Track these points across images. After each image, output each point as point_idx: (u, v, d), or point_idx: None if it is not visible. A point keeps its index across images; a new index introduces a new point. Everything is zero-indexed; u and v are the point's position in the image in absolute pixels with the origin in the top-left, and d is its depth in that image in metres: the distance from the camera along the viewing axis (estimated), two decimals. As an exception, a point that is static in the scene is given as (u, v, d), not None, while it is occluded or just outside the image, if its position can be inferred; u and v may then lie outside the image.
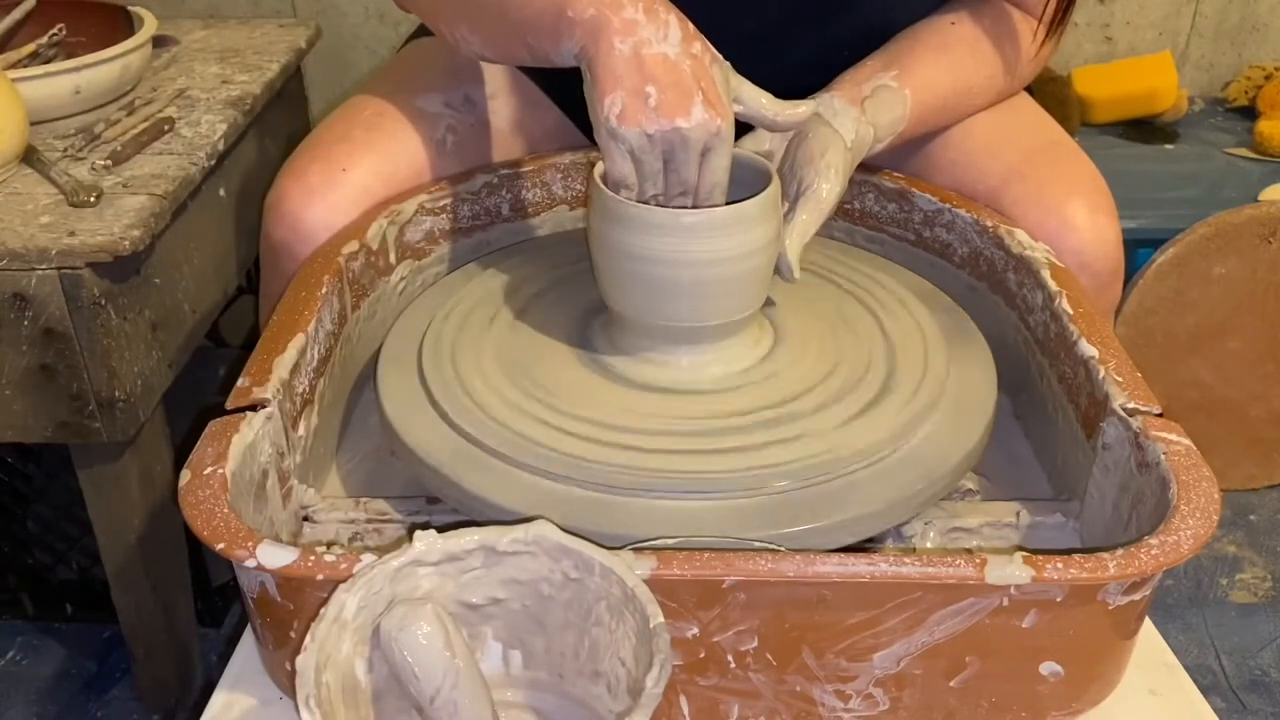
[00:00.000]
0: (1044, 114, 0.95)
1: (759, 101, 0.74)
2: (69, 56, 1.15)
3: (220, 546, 0.55)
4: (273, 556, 0.54)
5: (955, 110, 0.89)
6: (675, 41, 0.69)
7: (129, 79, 1.17)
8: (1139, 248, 1.40)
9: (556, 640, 0.57)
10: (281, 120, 1.33)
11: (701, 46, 0.70)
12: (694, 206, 0.71)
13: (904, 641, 0.56)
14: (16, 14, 1.21)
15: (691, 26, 0.71)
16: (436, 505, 0.71)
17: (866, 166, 0.92)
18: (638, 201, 0.71)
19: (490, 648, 0.58)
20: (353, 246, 0.81)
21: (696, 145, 0.69)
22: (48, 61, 1.16)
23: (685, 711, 0.59)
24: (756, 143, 0.83)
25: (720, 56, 0.72)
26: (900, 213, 0.90)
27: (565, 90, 0.99)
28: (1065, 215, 0.82)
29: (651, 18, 0.69)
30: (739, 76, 0.74)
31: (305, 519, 0.71)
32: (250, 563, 0.55)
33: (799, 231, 0.77)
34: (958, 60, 0.87)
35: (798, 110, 0.75)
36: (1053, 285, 0.75)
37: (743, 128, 0.77)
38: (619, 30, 0.68)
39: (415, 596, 0.54)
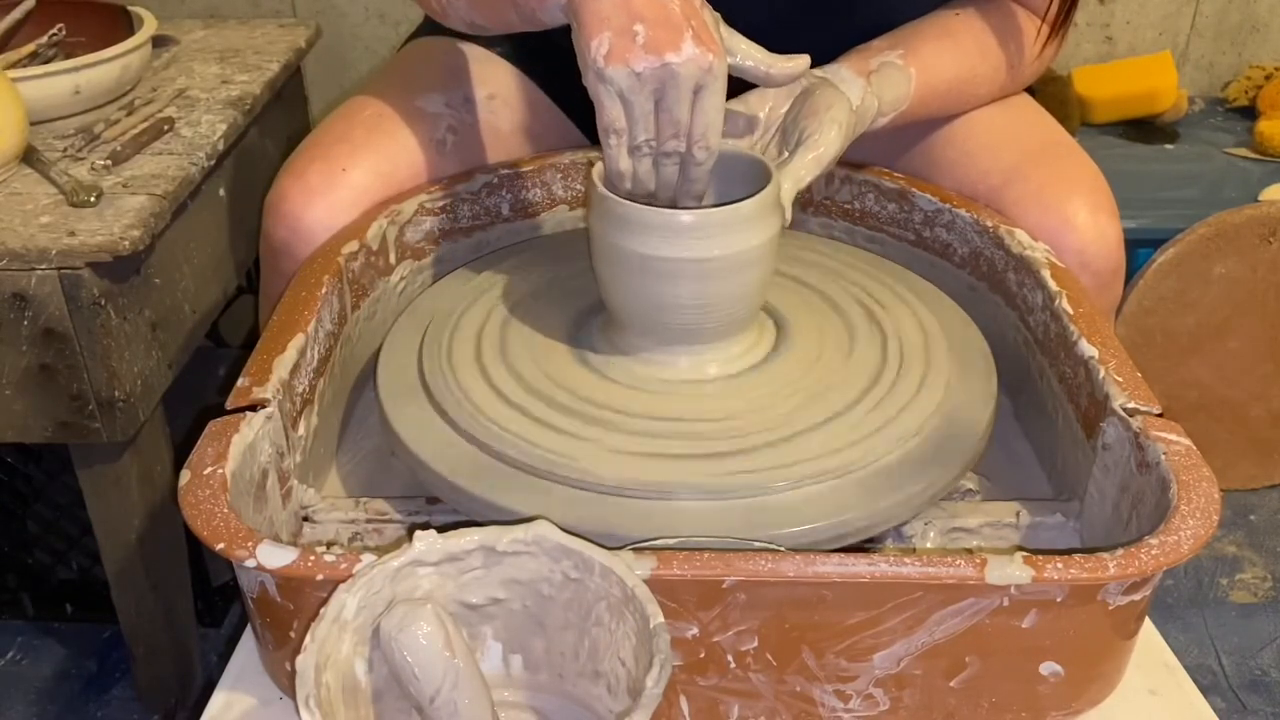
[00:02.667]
0: (1045, 114, 0.95)
1: (751, 54, 0.74)
2: (69, 56, 1.15)
3: (220, 546, 0.55)
4: (273, 556, 0.54)
5: (959, 97, 0.89)
6: None
7: (129, 79, 1.17)
8: (1139, 248, 1.40)
9: (556, 640, 0.57)
10: (281, 120, 1.33)
11: None
12: (688, 150, 0.69)
13: (904, 641, 0.56)
14: (16, 14, 1.21)
15: None
16: (436, 505, 0.71)
17: (867, 166, 0.92)
18: (629, 149, 0.69)
19: (490, 648, 0.58)
20: (353, 246, 0.81)
21: (688, 82, 0.67)
22: (48, 61, 1.16)
23: (685, 711, 0.59)
24: (761, 100, 0.82)
25: (709, 5, 0.71)
26: (900, 213, 0.90)
27: (565, 89, 0.99)
28: (1066, 214, 0.82)
29: None
30: (730, 29, 0.73)
31: (305, 519, 0.71)
32: (250, 563, 0.54)
33: (794, 175, 0.77)
34: (963, 49, 0.88)
35: (790, 64, 0.75)
36: (1053, 285, 0.75)
37: (745, 86, 0.77)
38: None
39: (415, 596, 0.54)
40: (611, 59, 0.66)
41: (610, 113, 0.68)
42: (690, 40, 0.66)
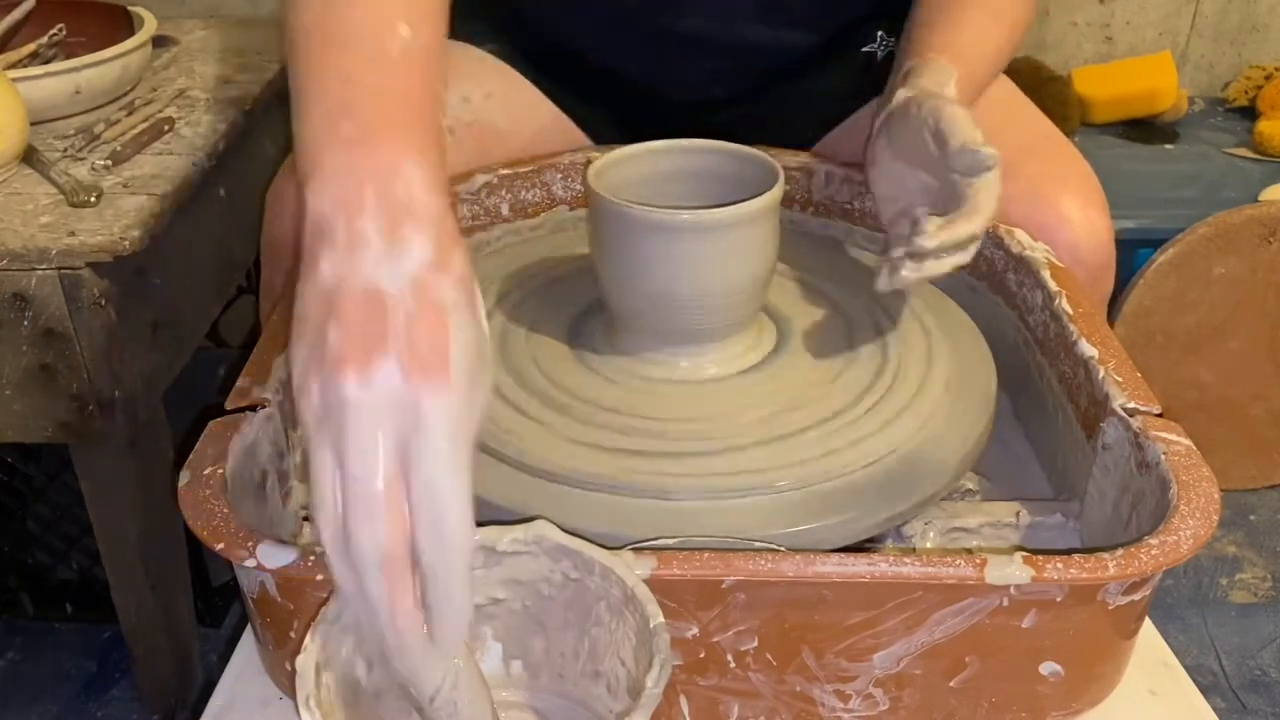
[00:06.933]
0: (1033, 108, 0.95)
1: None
2: (69, 56, 1.15)
3: (220, 546, 0.55)
4: (273, 556, 0.54)
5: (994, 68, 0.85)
6: (406, 272, 0.46)
7: (129, 79, 1.17)
8: (1139, 248, 1.40)
9: (556, 640, 0.57)
10: (281, 120, 1.33)
11: (457, 290, 0.47)
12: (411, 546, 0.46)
13: (904, 641, 0.56)
14: (16, 14, 1.21)
15: (458, 259, 0.48)
16: (436, 505, 0.71)
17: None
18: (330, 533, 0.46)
19: (490, 648, 0.58)
20: (353, 246, 0.80)
21: (370, 427, 0.43)
22: (48, 61, 1.16)
23: (685, 711, 0.59)
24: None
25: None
26: (900, 213, 0.90)
27: (564, 90, 0.99)
28: (1058, 210, 0.82)
29: (390, 234, 0.46)
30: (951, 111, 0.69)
31: (305, 519, 0.71)
32: (250, 563, 0.54)
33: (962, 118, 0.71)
34: (992, 31, 0.84)
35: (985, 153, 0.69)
36: (1052, 285, 0.75)
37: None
38: (343, 243, 0.47)
39: (415, 596, 0.54)
40: (299, 388, 0.46)
41: (311, 462, 0.45)
42: (393, 362, 0.44)
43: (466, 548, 0.45)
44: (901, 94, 0.76)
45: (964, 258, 0.69)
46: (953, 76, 0.77)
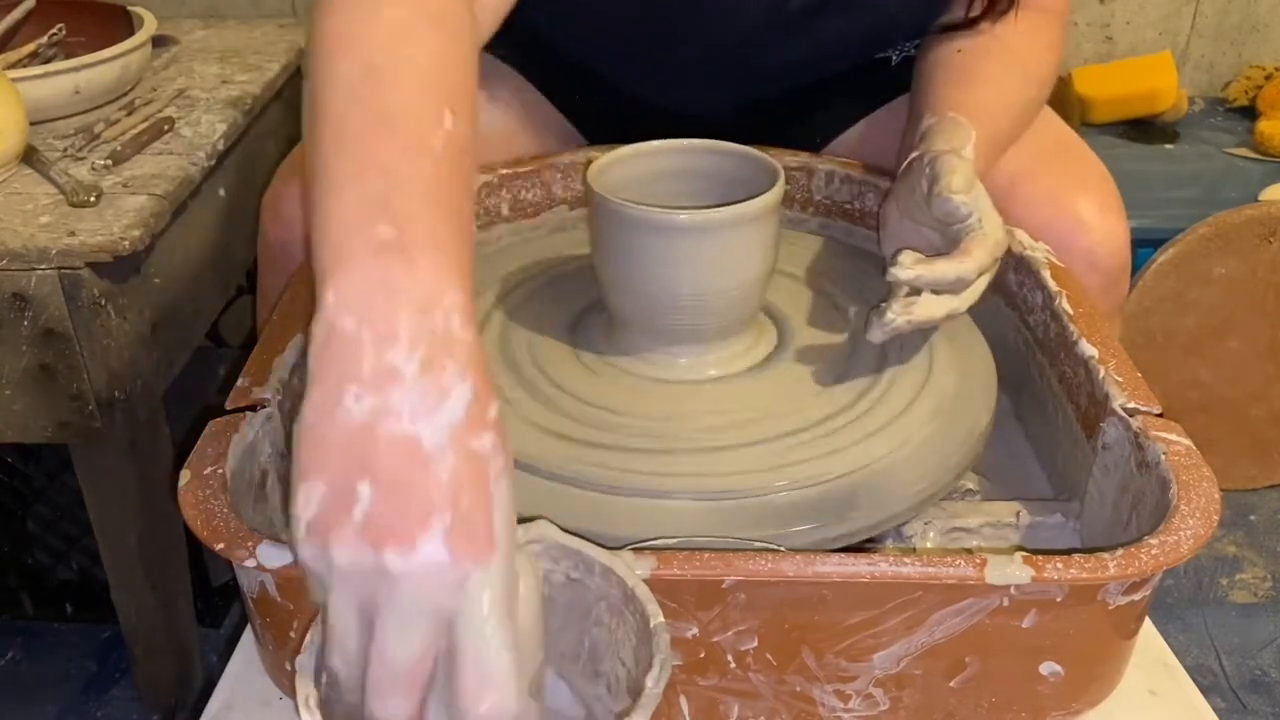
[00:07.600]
0: (1051, 113, 0.95)
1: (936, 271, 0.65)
2: (69, 56, 1.15)
3: (220, 546, 0.55)
4: (273, 556, 0.54)
5: (1016, 124, 0.84)
6: (446, 423, 0.42)
7: (129, 79, 1.17)
8: (1139, 248, 1.39)
9: (556, 640, 0.57)
10: (281, 120, 1.33)
11: (495, 443, 0.43)
12: None
13: (904, 641, 0.56)
14: (16, 14, 1.21)
15: (494, 409, 0.44)
16: (436, 505, 0.71)
17: (866, 166, 0.92)
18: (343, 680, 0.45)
19: (490, 648, 0.58)
20: (353, 246, 0.80)
21: (413, 606, 0.41)
22: (48, 61, 1.16)
23: (685, 711, 0.59)
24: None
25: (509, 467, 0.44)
26: (900, 213, 0.90)
27: (564, 91, 0.99)
28: (1076, 215, 0.82)
29: (426, 375, 0.42)
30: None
31: (305, 519, 0.71)
32: (250, 563, 0.54)
33: (963, 169, 0.69)
34: (1008, 90, 0.83)
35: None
36: (1053, 285, 0.75)
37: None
38: (371, 376, 0.42)
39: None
40: (313, 529, 0.42)
41: (327, 615, 0.43)
42: (440, 535, 0.41)
43: None
44: (914, 154, 0.75)
45: (957, 303, 0.68)
46: (971, 138, 0.74)
